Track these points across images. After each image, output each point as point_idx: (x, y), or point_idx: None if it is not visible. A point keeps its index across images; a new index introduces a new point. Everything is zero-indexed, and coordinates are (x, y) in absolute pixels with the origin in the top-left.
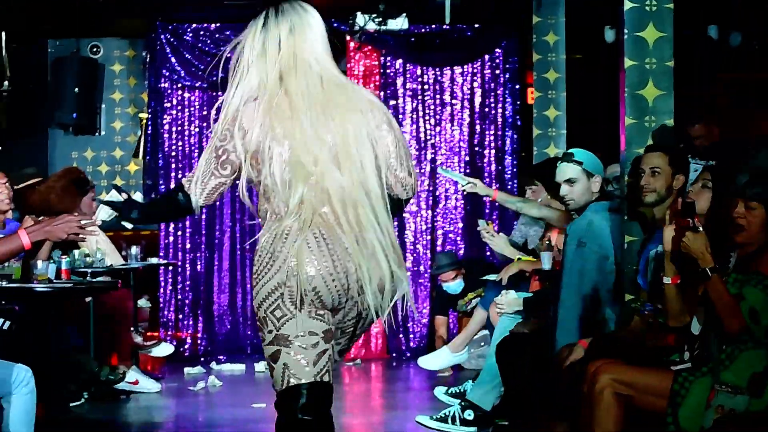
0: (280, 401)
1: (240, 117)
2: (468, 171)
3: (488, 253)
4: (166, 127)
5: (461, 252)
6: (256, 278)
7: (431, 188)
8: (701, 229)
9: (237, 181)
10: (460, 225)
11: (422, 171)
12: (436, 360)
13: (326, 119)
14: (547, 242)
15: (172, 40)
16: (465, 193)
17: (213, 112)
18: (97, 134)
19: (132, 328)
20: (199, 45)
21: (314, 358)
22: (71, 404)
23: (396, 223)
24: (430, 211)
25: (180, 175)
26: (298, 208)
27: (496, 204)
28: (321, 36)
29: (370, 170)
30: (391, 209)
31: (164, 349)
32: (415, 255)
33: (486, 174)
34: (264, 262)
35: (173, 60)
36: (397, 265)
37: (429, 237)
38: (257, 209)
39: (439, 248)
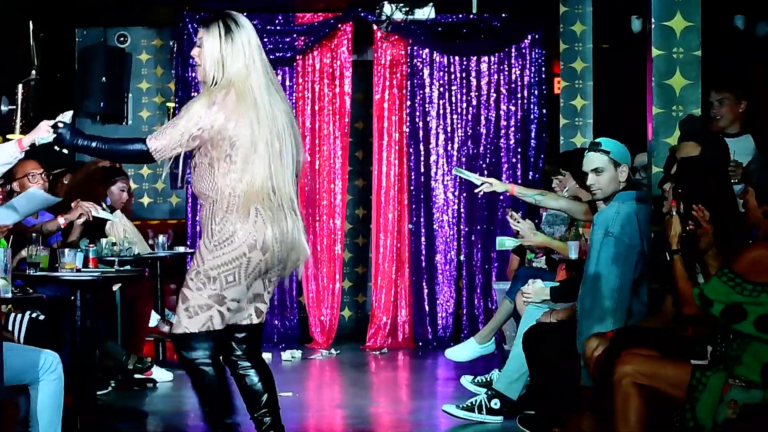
0: (192, 340)
1: (214, 104)
2: (493, 161)
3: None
4: None
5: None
6: (218, 245)
7: (458, 178)
8: (674, 212)
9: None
10: (485, 213)
11: (449, 160)
12: (463, 351)
13: (275, 112)
14: (574, 231)
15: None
16: (482, 193)
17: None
18: (124, 123)
19: (160, 318)
20: None
21: (229, 315)
22: (98, 392)
23: (423, 214)
24: (457, 201)
25: None
26: (258, 188)
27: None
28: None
29: (295, 153)
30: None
31: None
32: (444, 245)
33: (512, 164)
34: (228, 233)
35: None
36: (303, 234)
37: (456, 227)
38: (209, 184)
39: (464, 237)
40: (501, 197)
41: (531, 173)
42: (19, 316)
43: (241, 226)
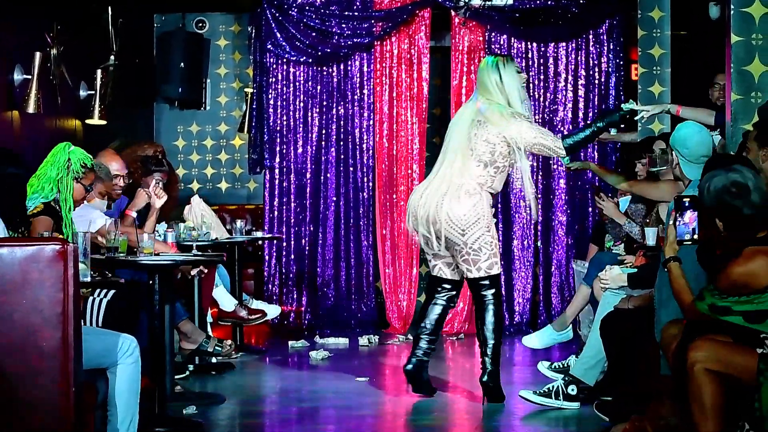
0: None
1: None
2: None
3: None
4: (272, 101)
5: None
6: None
7: (535, 162)
8: (671, 221)
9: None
10: (565, 197)
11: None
12: (540, 339)
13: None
14: (654, 216)
15: (277, 15)
16: (569, 170)
17: None
18: (202, 108)
19: (237, 302)
20: (305, 20)
21: (431, 267)
22: (176, 377)
23: (500, 200)
24: (534, 188)
25: (284, 150)
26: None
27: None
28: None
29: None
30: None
31: (272, 311)
32: (521, 232)
33: (589, 149)
34: None
35: (279, 35)
36: (440, 206)
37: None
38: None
39: (541, 224)
40: (579, 182)
41: (610, 158)
42: (98, 299)
43: None
